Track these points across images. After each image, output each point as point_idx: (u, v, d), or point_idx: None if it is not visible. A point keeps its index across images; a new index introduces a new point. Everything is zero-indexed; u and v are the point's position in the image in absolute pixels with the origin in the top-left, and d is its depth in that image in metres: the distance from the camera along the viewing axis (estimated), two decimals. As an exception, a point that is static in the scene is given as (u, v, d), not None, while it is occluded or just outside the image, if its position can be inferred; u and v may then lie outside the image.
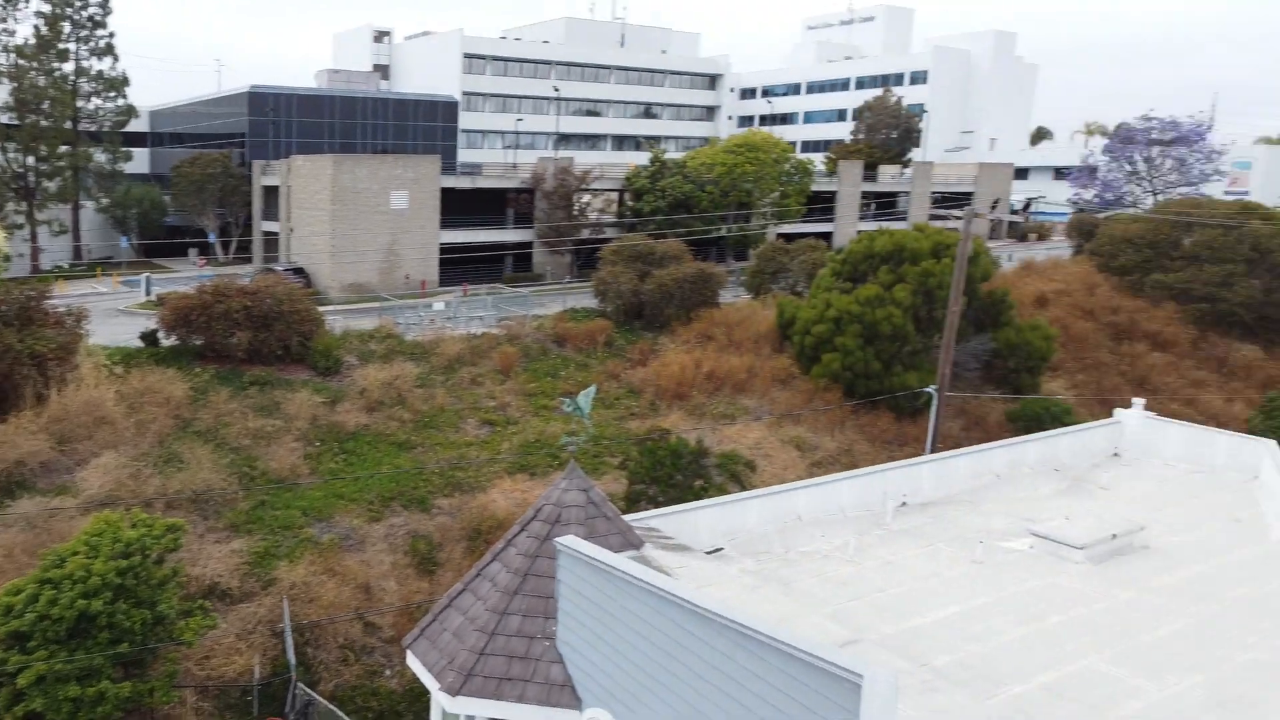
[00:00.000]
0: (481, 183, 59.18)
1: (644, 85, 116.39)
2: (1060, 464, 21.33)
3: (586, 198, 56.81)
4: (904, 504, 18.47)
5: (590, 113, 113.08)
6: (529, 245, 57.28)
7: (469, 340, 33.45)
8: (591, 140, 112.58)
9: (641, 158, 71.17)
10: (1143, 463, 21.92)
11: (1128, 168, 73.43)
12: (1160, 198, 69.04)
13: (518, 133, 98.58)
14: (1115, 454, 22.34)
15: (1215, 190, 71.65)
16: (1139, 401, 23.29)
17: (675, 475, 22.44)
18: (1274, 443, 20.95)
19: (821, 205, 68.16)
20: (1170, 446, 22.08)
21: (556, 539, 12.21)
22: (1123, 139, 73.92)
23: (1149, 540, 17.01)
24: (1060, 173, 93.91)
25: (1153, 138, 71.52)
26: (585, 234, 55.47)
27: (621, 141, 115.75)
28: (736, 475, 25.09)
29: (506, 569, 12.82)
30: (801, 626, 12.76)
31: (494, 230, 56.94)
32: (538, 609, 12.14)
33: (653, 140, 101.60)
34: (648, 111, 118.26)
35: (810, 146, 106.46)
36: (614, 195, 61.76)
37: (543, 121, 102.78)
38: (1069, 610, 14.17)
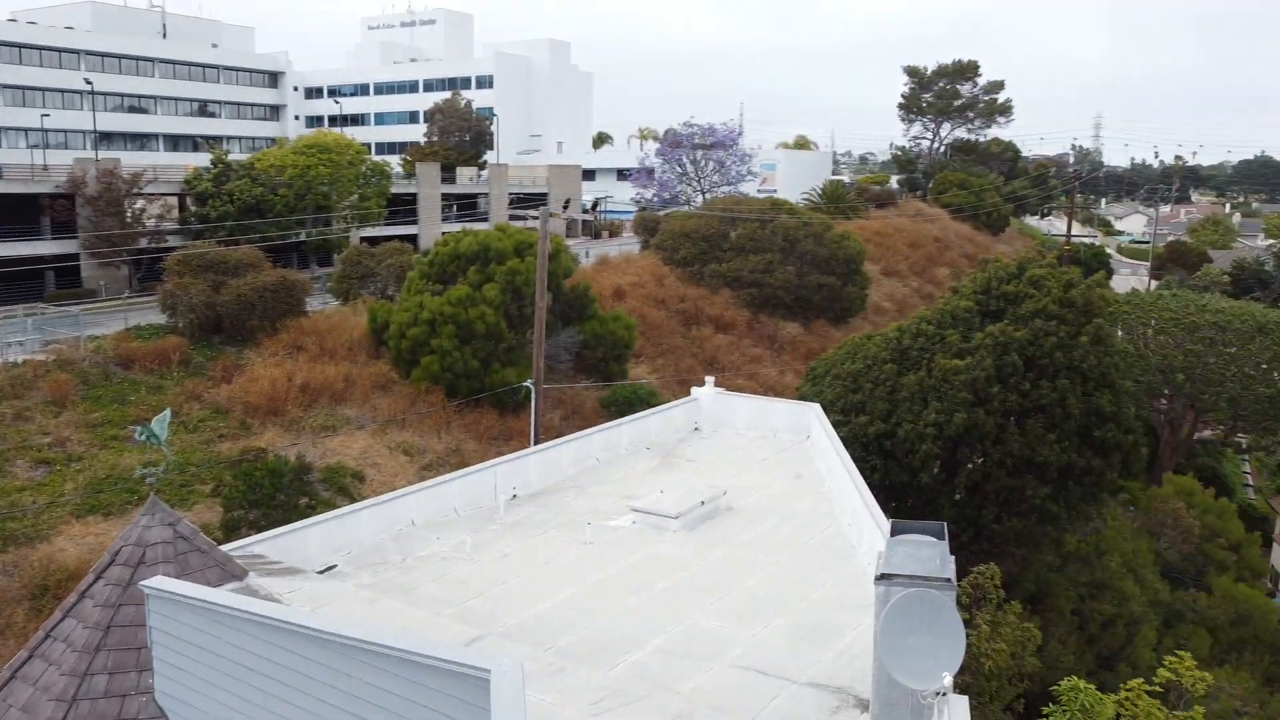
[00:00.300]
0: (3, 187, 50.95)
1: (195, 81, 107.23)
2: (651, 442, 23.01)
3: (141, 203, 51.05)
4: (515, 496, 18.85)
5: (135, 109, 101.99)
6: (75, 258, 50.23)
7: (6, 370, 28.64)
8: (140, 140, 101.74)
9: (202, 159, 65.62)
10: (719, 434, 24.32)
11: (679, 169, 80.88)
12: (708, 196, 76.91)
13: (45, 130, 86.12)
14: (696, 428, 24.56)
15: (750, 189, 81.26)
16: (710, 379, 25.81)
17: (277, 496, 20.97)
18: (818, 406, 24.29)
19: (403, 208, 67.40)
20: (739, 417, 24.71)
21: (142, 582, 10.86)
22: (671, 143, 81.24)
23: (731, 503, 18.91)
24: (622, 174, 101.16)
25: (696, 142, 79.44)
26: (144, 243, 49.85)
27: (177, 141, 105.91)
28: (345, 488, 24.03)
29: (84, 624, 11.18)
30: (425, 631, 12.52)
31: (26, 242, 49.21)
32: (128, 663, 10.73)
33: (213, 140, 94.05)
34: (204, 109, 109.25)
35: (385, 149, 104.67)
36: (174, 200, 56.19)
37: (76, 118, 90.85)
38: (671, 576, 15.33)
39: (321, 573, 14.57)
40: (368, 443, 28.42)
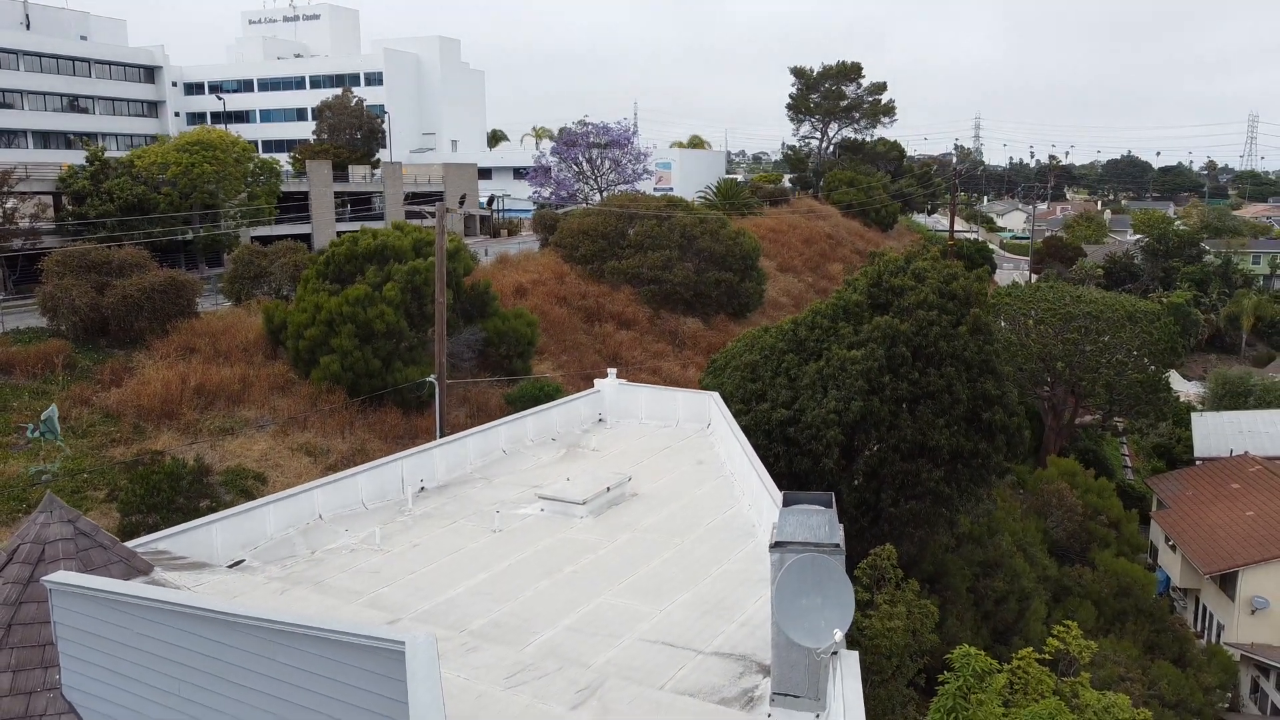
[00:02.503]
0: None
1: (65, 75, 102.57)
2: (556, 433, 23.34)
3: (12, 202, 48.76)
4: (422, 489, 18.95)
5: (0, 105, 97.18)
6: (-60, 260, 47.77)
7: None
8: (7, 136, 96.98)
9: (76, 156, 63.00)
10: (622, 424, 24.80)
11: (575, 168, 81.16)
12: (605, 194, 77.43)
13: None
14: (600, 419, 24.98)
15: (646, 187, 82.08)
16: (612, 371, 26.29)
17: (176, 499, 20.53)
18: (717, 394, 24.99)
19: (295, 207, 65.94)
20: (642, 407, 25.24)
21: (44, 578, 10.72)
22: (567, 142, 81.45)
23: (636, 489, 19.40)
24: (519, 172, 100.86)
25: (591, 141, 79.86)
26: (18, 244, 47.67)
27: (47, 138, 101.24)
28: (247, 490, 23.61)
29: (-18, 624, 10.95)
30: (339, 618, 12.62)
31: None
32: (32, 660, 10.58)
33: (87, 138, 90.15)
34: (74, 105, 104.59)
35: (272, 146, 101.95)
36: (49, 200, 53.82)
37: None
38: (579, 559, 15.71)
39: (230, 567, 14.48)
40: (269, 444, 27.94)
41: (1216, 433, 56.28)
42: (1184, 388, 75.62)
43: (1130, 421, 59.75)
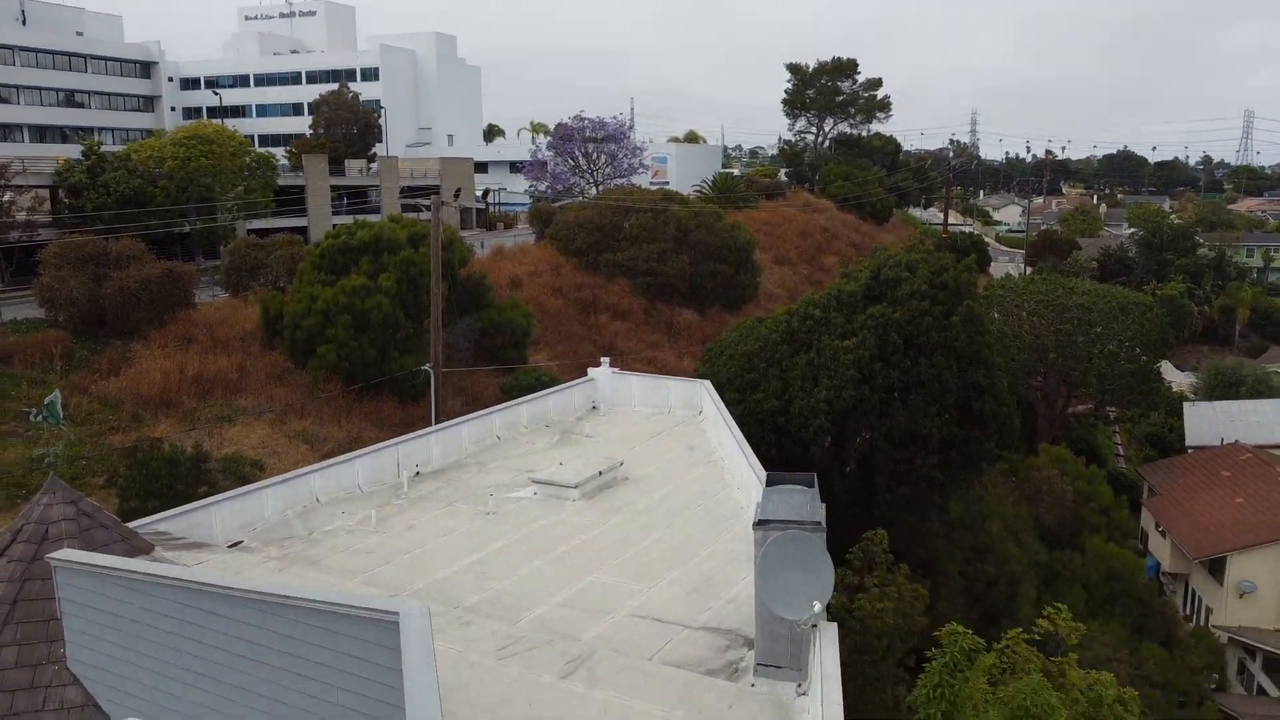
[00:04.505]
0: None
1: (60, 70, 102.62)
2: (550, 420, 23.66)
3: (9, 195, 48.98)
4: (418, 473, 19.28)
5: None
6: (-61, 253, 48.00)
7: (-128, 369, 27.47)
8: (3, 131, 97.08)
9: (72, 150, 63.11)
10: (615, 411, 25.13)
11: (571, 162, 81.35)
12: (601, 188, 77.65)
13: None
14: (594, 407, 25.31)
15: (642, 181, 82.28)
16: (606, 360, 26.60)
17: (175, 485, 20.83)
18: (708, 382, 25.33)
19: (291, 200, 66.15)
20: (635, 395, 25.57)
21: (49, 555, 11.05)
22: (563, 137, 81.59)
23: (628, 473, 19.74)
24: (515, 167, 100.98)
25: (587, 135, 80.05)
26: (15, 236, 47.89)
27: (44, 132, 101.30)
28: (245, 476, 23.85)
29: (-11, 600, 11.27)
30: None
31: (-115, 238, 46.70)
32: (38, 635, 10.91)
33: (83, 132, 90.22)
34: (71, 100, 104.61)
35: (269, 141, 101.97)
36: (45, 193, 54.05)
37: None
38: (571, 540, 16.05)
39: (230, 548, 14.80)
40: (266, 432, 28.25)
41: (1208, 422, 56.70)
42: (1177, 378, 76.08)
43: (1122, 411, 60.21)
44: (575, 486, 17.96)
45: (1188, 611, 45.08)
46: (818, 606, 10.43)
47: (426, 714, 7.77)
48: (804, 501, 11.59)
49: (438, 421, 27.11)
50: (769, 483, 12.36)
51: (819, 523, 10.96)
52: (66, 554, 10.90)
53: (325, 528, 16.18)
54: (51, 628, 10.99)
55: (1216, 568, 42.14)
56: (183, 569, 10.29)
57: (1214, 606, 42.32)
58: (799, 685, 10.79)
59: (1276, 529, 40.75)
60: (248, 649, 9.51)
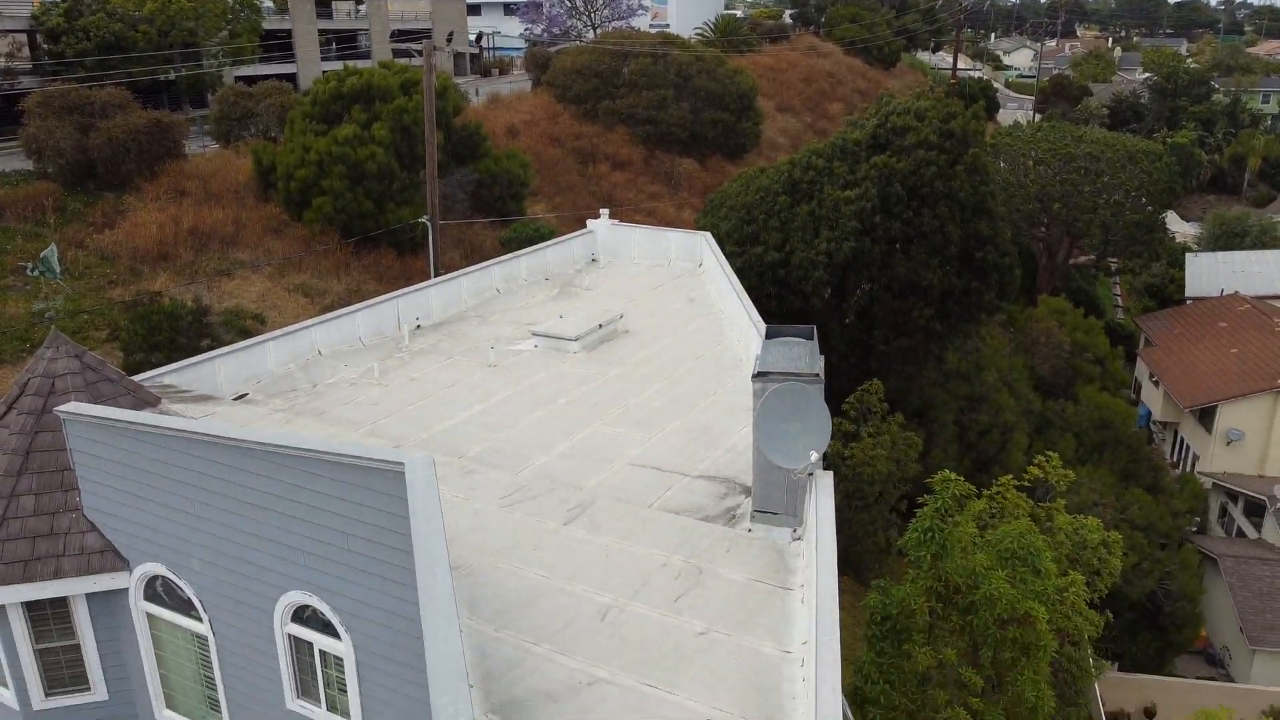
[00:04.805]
0: None
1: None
2: (549, 273, 23.60)
3: (-13, 41, 47.36)
4: (418, 326, 19.36)
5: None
6: (-84, 102, 46.63)
7: None
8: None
9: (49, -8, 60.50)
10: (615, 264, 25.03)
11: (568, 3, 78.16)
12: (599, 31, 74.89)
13: None
14: (593, 259, 25.19)
15: (641, 23, 79.28)
16: (605, 212, 26.29)
17: (177, 339, 20.94)
18: (708, 233, 25.11)
19: (278, 45, 63.87)
20: (634, 247, 25.40)
21: (57, 408, 11.21)
22: (558, -25, 78.25)
23: (628, 326, 19.83)
24: (510, 8, 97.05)
25: (583, -26, 76.63)
26: (-3, 85, 46.53)
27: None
28: (246, 330, 23.96)
29: (2, 451, 11.51)
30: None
31: None
32: (53, 484, 11.18)
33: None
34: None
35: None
36: (23, 38, 52.17)
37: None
38: (572, 392, 16.26)
39: (235, 400, 15.01)
40: (265, 286, 28.21)
41: (1209, 272, 56.61)
42: (1181, 228, 75.41)
43: (1124, 262, 59.97)
44: (576, 339, 18.07)
45: (1175, 459, 46.21)
46: (814, 456, 10.66)
47: (434, 560, 8.06)
48: (803, 354, 11.67)
49: (436, 274, 27.06)
50: (768, 335, 12.42)
51: (817, 375, 11.07)
52: (74, 407, 11.06)
53: (328, 380, 16.37)
54: (66, 477, 11.26)
55: (1206, 416, 42.92)
56: (191, 421, 10.45)
57: (1201, 454, 43.33)
58: (794, 531, 11.14)
59: (1268, 379, 41.30)
60: (260, 499, 9.77)
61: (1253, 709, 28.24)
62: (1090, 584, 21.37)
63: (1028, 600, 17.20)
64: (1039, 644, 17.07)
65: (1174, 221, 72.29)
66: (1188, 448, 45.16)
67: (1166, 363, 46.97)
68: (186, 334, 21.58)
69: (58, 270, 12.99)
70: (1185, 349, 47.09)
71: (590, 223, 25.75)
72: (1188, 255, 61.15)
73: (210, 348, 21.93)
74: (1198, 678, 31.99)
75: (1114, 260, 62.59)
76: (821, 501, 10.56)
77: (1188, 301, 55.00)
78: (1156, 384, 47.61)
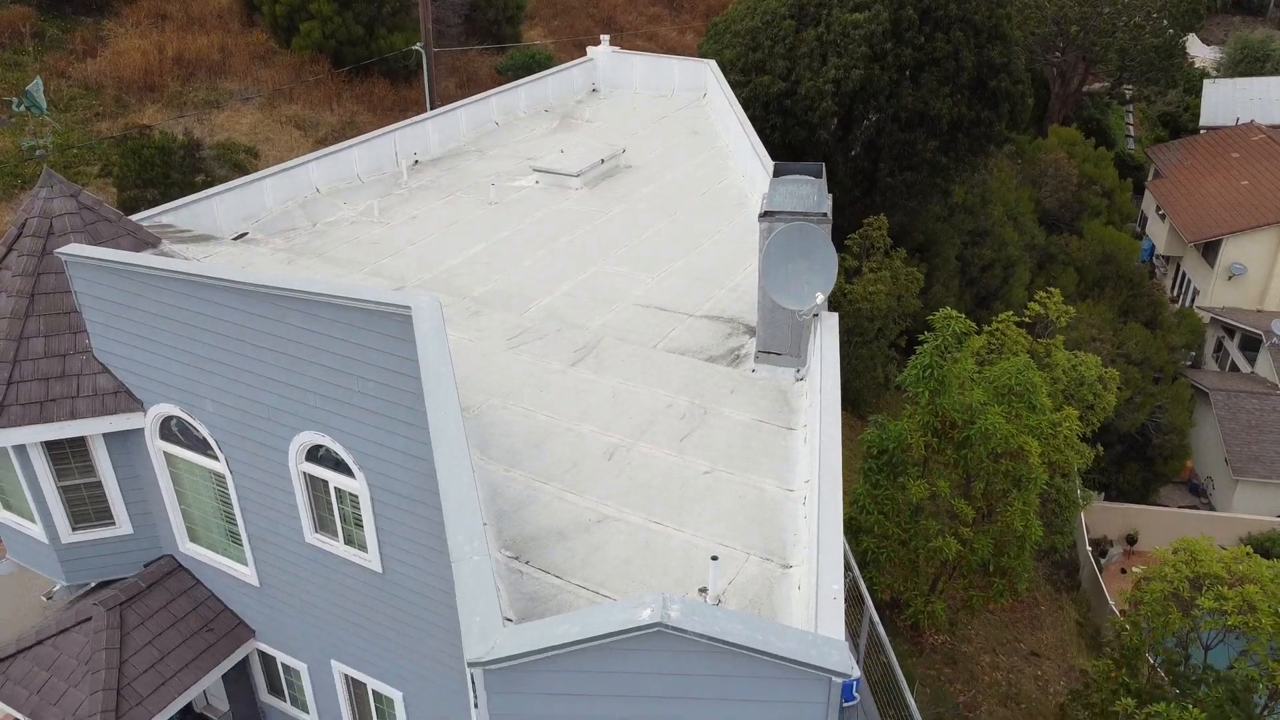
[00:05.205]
0: None
1: None
2: (549, 104, 22.91)
3: None
4: (416, 162, 18.96)
5: None
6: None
7: None
8: None
9: None
10: (616, 94, 24.26)
11: None
12: None
13: None
14: (594, 89, 24.40)
15: None
16: (605, 39, 25.26)
17: (170, 174, 20.54)
18: (713, 62, 24.21)
19: None
20: (636, 77, 24.55)
21: (57, 250, 11.11)
22: None
23: (630, 160, 19.41)
24: None
25: None
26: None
27: None
28: (240, 164, 23.50)
29: (6, 294, 11.49)
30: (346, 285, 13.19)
31: None
32: (60, 326, 11.22)
33: None
34: None
35: None
36: None
37: None
38: (575, 230, 16.09)
39: (235, 239, 14.87)
40: (257, 118, 27.43)
41: (1226, 100, 55.03)
42: (1201, 53, 72.72)
43: (1139, 89, 58.17)
44: (577, 175, 17.73)
45: (1175, 293, 46.29)
46: (820, 298, 10.65)
47: (445, 403, 8.18)
48: (811, 192, 11.46)
49: (432, 105, 26.30)
50: (776, 173, 12.16)
51: (825, 214, 10.91)
52: (75, 249, 10.96)
53: (328, 219, 16.16)
54: (73, 319, 11.28)
55: (1210, 251, 42.71)
56: (196, 263, 10.37)
57: (1201, 288, 43.38)
58: (798, 371, 11.26)
59: (1277, 212, 40.84)
60: (268, 342, 9.82)
61: (1231, 535, 29.39)
62: (1084, 418, 21.85)
63: (1022, 435, 17.61)
64: (1030, 477, 17.59)
65: (1194, 45, 69.67)
66: (1189, 282, 45.17)
67: (1175, 195, 46.34)
68: (180, 169, 21.17)
69: (43, 104, 12.63)
70: (1195, 181, 46.35)
71: (590, 50, 24.79)
72: (1205, 82, 59.27)
73: (204, 183, 21.61)
74: (1180, 507, 33.13)
75: (1129, 87, 60.68)
76: (826, 343, 10.61)
77: (1202, 131, 53.73)
78: (1163, 217, 47.13)
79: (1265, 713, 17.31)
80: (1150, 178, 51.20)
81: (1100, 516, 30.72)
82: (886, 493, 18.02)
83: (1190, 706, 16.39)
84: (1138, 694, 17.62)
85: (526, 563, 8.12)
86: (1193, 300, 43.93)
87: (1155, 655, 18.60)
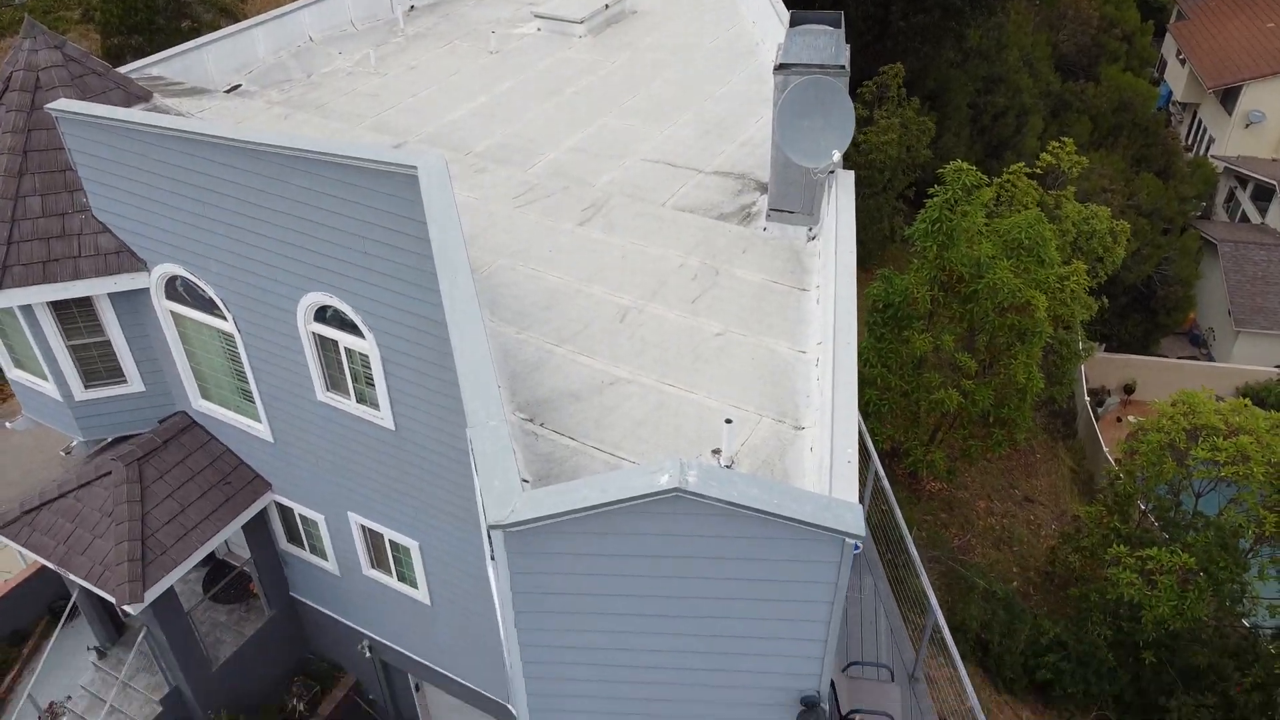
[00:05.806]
0: None
1: None
2: (549, -57, 21.73)
3: None
4: (412, 8, 18.16)
5: None
6: None
7: None
8: None
9: None
10: (619, -69, 22.97)
11: None
12: None
13: None
14: (595, -74, 23.10)
15: None
16: None
17: (155, 19, 19.69)
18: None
19: None
20: (640, -89, 23.19)
21: (47, 106, 10.74)
22: None
23: (636, 6, 18.59)
24: None
25: None
26: None
27: None
28: (227, 10, 22.48)
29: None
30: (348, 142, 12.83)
31: None
32: (57, 185, 10.98)
33: None
34: None
35: None
36: None
37: None
38: (579, 81, 15.54)
39: (229, 92, 14.39)
40: (241, -44, 26.12)
41: (1257, -66, 52.29)
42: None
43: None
44: (581, 22, 17.01)
45: (1190, 142, 45.25)
46: (836, 155, 10.37)
47: (455, 265, 8.06)
48: (829, 44, 10.99)
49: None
50: (792, 23, 11.64)
51: (843, 67, 10.49)
52: (65, 104, 10.59)
53: (323, 69, 15.59)
54: (69, 178, 11.03)
55: (1229, 97, 41.51)
56: (190, 120, 10.06)
57: (1217, 137, 42.38)
58: (810, 230, 11.09)
59: (1301, 56, 39.50)
60: (270, 201, 9.60)
61: (1229, 386, 29.73)
62: (1092, 271, 21.73)
63: (1029, 289, 17.55)
64: (1035, 330, 17.63)
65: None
66: (1205, 130, 44.10)
67: (1197, 38, 44.67)
68: (164, 13, 20.28)
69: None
70: (1219, 23, 44.59)
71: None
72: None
73: (191, 29, 20.74)
74: (1180, 358, 33.39)
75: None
76: (842, 200, 10.39)
77: (1230, -34, 51.28)
78: (1183, 62, 45.58)
79: (1250, 556, 17.95)
80: (1173, 19, 49.25)
81: (1099, 367, 31.00)
82: (890, 346, 18.11)
83: (1179, 550, 16.97)
84: (1127, 539, 18.20)
85: (541, 425, 8.19)
86: (1208, 149, 43.00)
87: (1147, 502, 19.12)
